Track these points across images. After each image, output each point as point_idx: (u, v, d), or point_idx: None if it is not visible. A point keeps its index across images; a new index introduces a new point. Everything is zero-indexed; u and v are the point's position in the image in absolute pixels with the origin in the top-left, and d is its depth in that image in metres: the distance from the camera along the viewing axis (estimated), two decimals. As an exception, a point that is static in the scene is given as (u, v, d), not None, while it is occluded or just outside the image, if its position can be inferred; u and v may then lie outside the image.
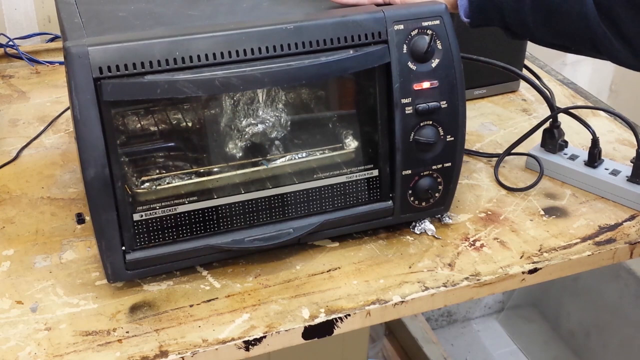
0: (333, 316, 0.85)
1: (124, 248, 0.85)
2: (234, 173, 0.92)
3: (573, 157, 1.11)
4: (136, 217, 0.85)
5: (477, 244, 0.97)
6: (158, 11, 0.92)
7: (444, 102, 0.92)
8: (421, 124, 0.91)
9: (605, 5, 0.85)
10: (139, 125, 0.91)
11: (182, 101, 0.91)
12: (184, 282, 0.90)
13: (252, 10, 0.93)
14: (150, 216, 0.86)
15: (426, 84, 0.90)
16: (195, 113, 0.93)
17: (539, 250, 0.96)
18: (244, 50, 0.83)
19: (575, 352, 2.15)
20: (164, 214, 0.87)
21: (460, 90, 0.92)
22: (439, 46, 0.90)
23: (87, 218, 1.00)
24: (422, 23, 0.89)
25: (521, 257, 0.95)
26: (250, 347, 0.82)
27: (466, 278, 0.91)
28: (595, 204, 1.06)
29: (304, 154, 0.95)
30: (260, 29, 0.84)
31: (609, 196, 1.06)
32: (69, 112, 1.24)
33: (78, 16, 0.89)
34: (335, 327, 0.86)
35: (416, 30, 0.89)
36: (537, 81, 1.22)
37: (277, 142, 0.94)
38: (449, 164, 0.95)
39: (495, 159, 1.15)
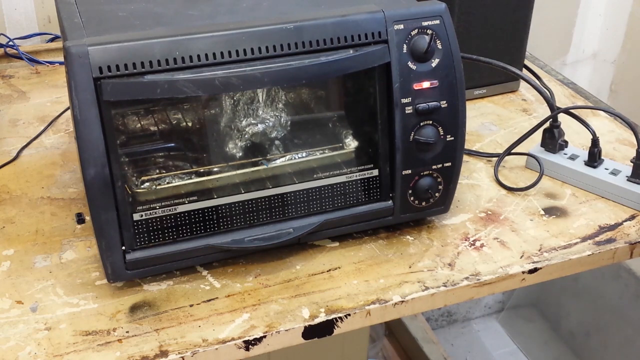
0: (333, 316, 0.85)
1: (124, 248, 0.85)
2: (234, 173, 0.92)
3: (573, 157, 1.11)
4: (136, 217, 0.85)
5: (477, 243, 0.97)
6: (158, 11, 0.92)
7: (444, 102, 0.92)
8: (421, 124, 0.91)
9: None
10: (139, 125, 0.91)
11: (182, 101, 0.91)
12: (184, 282, 0.90)
13: (252, 10, 0.93)
14: (150, 216, 0.86)
15: (426, 84, 0.90)
16: (195, 113, 0.93)
17: (539, 250, 0.96)
18: (244, 50, 0.83)
19: (575, 352, 2.15)
20: (164, 214, 0.87)
21: (460, 90, 0.92)
22: (439, 46, 0.90)
23: (87, 218, 1.00)
24: (422, 23, 0.89)
25: (521, 257, 0.95)
26: (250, 346, 0.82)
27: (466, 278, 0.91)
28: (595, 203, 1.06)
29: (303, 154, 0.95)
30: (260, 29, 0.84)
31: (609, 196, 1.06)
32: (69, 112, 1.24)
33: (78, 16, 0.89)
34: (335, 327, 0.86)
35: (416, 30, 0.89)
36: (537, 81, 1.22)
37: (277, 142, 0.94)
38: (449, 164, 0.95)
39: (495, 158, 1.15)
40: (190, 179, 0.90)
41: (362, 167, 0.94)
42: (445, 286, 0.90)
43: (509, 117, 1.29)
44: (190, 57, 0.81)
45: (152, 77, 0.79)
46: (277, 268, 0.92)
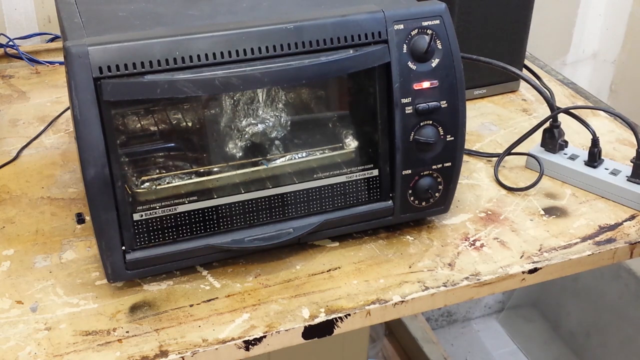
0: (333, 316, 0.85)
1: (124, 248, 0.85)
2: (234, 173, 0.92)
3: (573, 157, 1.11)
4: (136, 217, 0.85)
5: (477, 243, 0.97)
6: (158, 11, 0.92)
7: (444, 102, 0.92)
8: (421, 124, 0.91)
9: None
10: (139, 125, 0.91)
11: (182, 101, 0.91)
12: (184, 282, 0.90)
13: (252, 10, 0.93)
14: (150, 216, 0.86)
15: (426, 84, 0.90)
16: (195, 113, 0.93)
17: (539, 250, 0.96)
18: (244, 50, 0.83)
19: (575, 352, 2.15)
20: (164, 214, 0.87)
21: (460, 90, 0.92)
22: (439, 46, 0.90)
23: (87, 218, 1.00)
24: (422, 23, 0.89)
25: (521, 257, 0.95)
26: (250, 346, 0.82)
27: (466, 278, 0.91)
28: (595, 203, 1.06)
29: (303, 154, 0.95)
30: (260, 29, 0.84)
31: (609, 196, 1.06)
32: (69, 112, 1.24)
33: (78, 16, 0.89)
34: (335, 327, 0.86)
35: (416, 30, 0.89)
36: (537, 81, 1.22)
37: (277, 142, 0.94)
38: (449, 164, 0.95)
39: (495, 158, 1.15)
40: (190, 179, 0.90)
41: (362, 167, 0.94)
42: (445, 286, 0.90)
43: (509, 117, 1.29)
44: (190, 57, 0.81)
45: (152, 77, 0.79)
46: (277, 268, 0.92)
